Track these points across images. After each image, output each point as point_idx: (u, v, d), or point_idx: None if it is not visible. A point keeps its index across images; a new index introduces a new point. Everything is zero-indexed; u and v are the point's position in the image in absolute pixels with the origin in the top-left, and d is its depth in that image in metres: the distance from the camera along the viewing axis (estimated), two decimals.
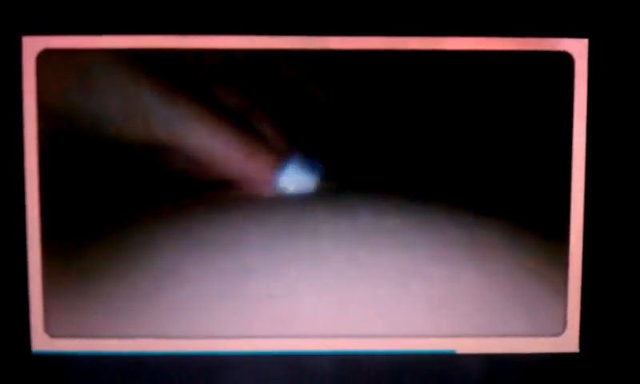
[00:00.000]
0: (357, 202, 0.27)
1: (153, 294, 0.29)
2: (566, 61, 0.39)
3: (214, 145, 0.32)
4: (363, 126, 0.39)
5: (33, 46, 0.38)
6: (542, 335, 0.41)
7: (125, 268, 0.37)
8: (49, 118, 0.39)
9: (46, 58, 0.38)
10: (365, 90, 0.39)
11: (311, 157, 0.29)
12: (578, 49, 0.39)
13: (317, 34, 0.39)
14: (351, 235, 0.27)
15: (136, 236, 0.35)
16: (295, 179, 0.25)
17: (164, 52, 0.39)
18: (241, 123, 0.39)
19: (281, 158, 0.28)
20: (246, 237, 0.26)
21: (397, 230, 0.27)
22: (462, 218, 0.30)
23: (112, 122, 0.39)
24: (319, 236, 0.26)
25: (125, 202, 0.39)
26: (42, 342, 0.40)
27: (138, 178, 0.39)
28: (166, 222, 0.27)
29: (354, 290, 0.28)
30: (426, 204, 0.29)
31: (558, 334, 0.41)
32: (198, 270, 0.26)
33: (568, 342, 0.41)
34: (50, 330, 0.40)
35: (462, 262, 0.28)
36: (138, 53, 0.38)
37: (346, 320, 0.28)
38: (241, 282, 0.27)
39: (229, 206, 0.25)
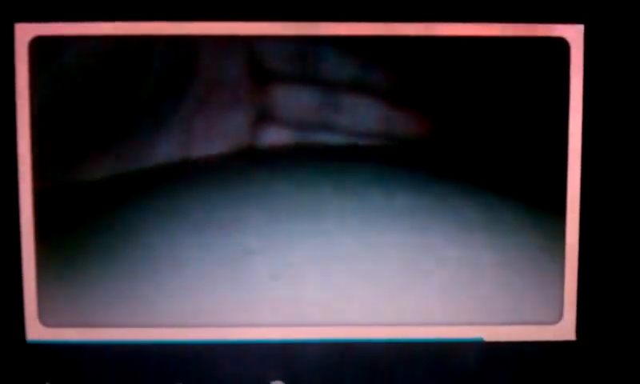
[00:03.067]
0: (365, 180, 0.25)
1: (150, 279, 0.28)
2: (561, 47, 0.39)
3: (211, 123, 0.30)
4: (370, 105, 0.39)
5: (25, 32, 0.38)
6: (539, 323, 0.41)
7: (120, 255, 0.35)
8: (41, 105, 0.39)
9: (38, 44, 0.38)
10: (362, 72, 0.39)
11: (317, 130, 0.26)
12: (573, 35, 0.39)
13: (309, 19, 0.38)
14: (359, 215, 0.25)
15: (131, 221, 0.32)
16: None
17: (158, 38, 0.38)
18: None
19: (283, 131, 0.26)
20: (246, 216, 0.24)
21: (407, 211, 0.25)
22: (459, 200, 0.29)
23: (105, 109, 0.39)
24: (324, 215, 0.25)
25: (119, 187, 0.39)
26: (36, 330, 0.40)
27: (131, 161, 0.39)
28: (161, 204, 0.26)
29: (361, 273, 0.26)
30: (437, 183, 0.27)
31: (554, 322, 0.41)
32: (195, 253, 0.25)
33: (565, 330, 0.41)
34: (45, 318, 0.40)
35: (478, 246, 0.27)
36: (132, 39, 0.38)
37: (353, 304, 0.27)
38: (241, 265, 0.26)
39: (227, 184, 0.24)
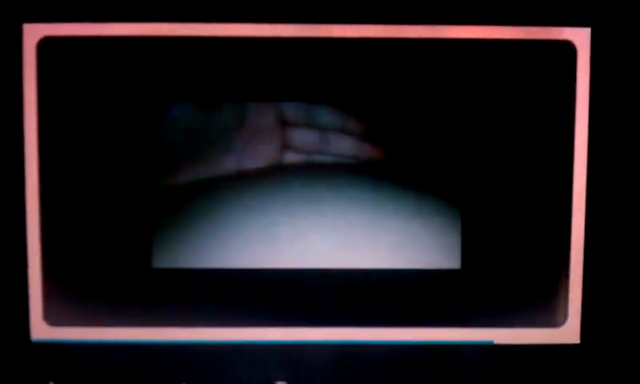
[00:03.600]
0: (345, 182, 0.40)
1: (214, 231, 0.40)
2: (568, 50, 0.39)
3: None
4: (365, 114, 0.40)
5: (33, 33, 0.38)
6: (544, 326, 0.40)
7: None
8: (49, 104, 0.39)
9: (46, 45, 0.38)
10: (367, 77, 0.39)
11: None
12: (580, 38, 0.39)
13: (320, 21, 0.39)
14: (343, 203, 0.40)
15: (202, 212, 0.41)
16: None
17: (165, 39, 0.39)
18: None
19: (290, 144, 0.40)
20: (275, 204, 0.39)
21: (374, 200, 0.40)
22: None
23: (113, 110, 0.39)
24: (322, 203, 0.39)
25: (130, 189, 0.40)
26: (41, 330, 0.40)
27: (134, 163, 0.39)
28: (223, 197, 0.40)
29: (343, 237, 0.40)
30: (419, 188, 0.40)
31: (559, 325, 0.41)
32: (243, 227, 0.39)
33: (569, 333, 0.41)
34: (49, 318, 0.40)
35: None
36: (139, 40, 0.39)
37: (339, 255, 0.40)
38: (271, 231, 0.40)
39: (264, 186, 0.39)
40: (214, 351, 0.40)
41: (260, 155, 0.39)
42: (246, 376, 0.41)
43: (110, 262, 0.40)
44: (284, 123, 0.39)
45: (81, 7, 0.39)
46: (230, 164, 0.39)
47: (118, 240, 0.40)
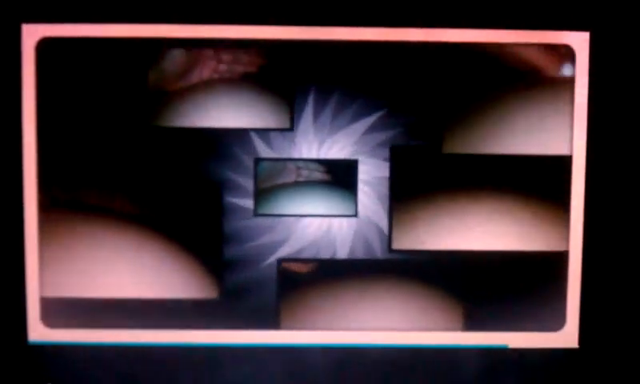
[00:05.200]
0: (328, 188, 0.42)
1: None
2: (567, 53, 0.39)
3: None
4: (366, 115, 0.40)
5: (32, 33, 0.38)
6: (542, 330, 0.40)
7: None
8: (47, 104, 0.39)
9: (45, 45, 0.38)
10: (366, 80, 0.39)
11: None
12: (579, 41, 0.39)
13: (320, 24, 0.39)
14: (327, 196, 0.41)
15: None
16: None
17: (163, 41, 0.39)
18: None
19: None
20: (294, 197, 0.41)
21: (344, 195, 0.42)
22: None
23: (110, 109, 0.39)
24: (319, 196, 0.41)
25: (120, 188, 0.40)
26: (37, 332, 0.40)
27: (136, 161, 0.39)
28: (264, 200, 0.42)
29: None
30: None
31: (557, 330, 0.41)
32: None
33: (568, 337, 0.41)
34: (46, 320, 0.40)
35: None
36: (138, 41, 0.39)
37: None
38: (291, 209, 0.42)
39: (288, 189, 0.41)
40: (214, 354, 0.40)
41: (287, 176, 0.41)
42: (246, 379, 0.41)
43: (106, 260, 0.40)
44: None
45: (80, 8, 0.39)
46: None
47: (118, 239, 0.40)
